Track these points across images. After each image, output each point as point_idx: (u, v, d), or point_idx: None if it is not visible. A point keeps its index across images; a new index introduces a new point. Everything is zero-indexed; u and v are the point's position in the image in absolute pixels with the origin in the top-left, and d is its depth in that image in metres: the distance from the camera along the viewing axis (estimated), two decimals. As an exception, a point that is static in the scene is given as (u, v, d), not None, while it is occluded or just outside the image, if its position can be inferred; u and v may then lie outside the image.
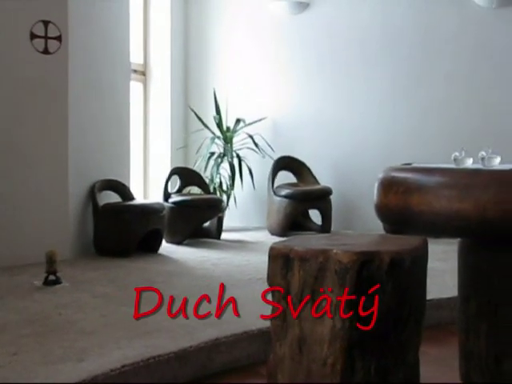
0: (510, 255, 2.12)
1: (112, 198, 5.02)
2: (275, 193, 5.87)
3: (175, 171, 5.84)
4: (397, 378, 1.76)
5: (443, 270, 4.17)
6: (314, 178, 6.08)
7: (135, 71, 6.13)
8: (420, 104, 6.19)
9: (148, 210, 4.86)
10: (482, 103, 6.09)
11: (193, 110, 6.44)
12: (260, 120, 6.28)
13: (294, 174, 6.17)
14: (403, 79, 6.20)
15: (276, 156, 6.17)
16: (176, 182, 5.82)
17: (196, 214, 5.30)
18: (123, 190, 5.11)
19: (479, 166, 2.23)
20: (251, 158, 6.32)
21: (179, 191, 5.71)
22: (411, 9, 6.18)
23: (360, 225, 5.93)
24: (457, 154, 2.21)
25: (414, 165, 2.29)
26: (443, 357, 2.76)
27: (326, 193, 5.82)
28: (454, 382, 2.37)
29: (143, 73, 6.40)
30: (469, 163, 2.19)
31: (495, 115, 6.07)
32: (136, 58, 6.18)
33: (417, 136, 6.14)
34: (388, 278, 1.72)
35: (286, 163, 6.16)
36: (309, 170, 6.10)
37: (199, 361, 2.53)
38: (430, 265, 4.34)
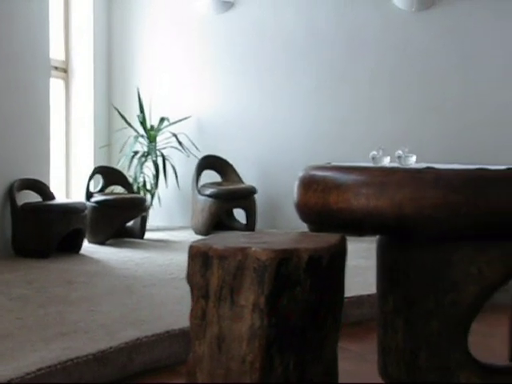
0: (425, 251, 2.17)
1: (32, 197, 4.89)
2: (199, 192, 5.85)
3: (98, 170, 5.75)
4: (315, 373, 1.78)
5: (365, 267, 4.24)
6: (239, 177, 6.09)
7: (56, 68, 5.99)
8: (343, 105, 6.30)
9: (69, 210, 4.76)
10: (400, 104, 6.25)
11: (116, 109, 6.35)
12: (184, 119, 6.25)
13: (219, 173, 6.17)
14: (327, 80, 6.29)
15: (201, 155, 6.15)
16: (99, 182, 5.73)
17: (119, 214, 5.24)
18: (43, 190, 4.99)
19: (396, 164, 2.28)
20: (176, 157, 6.28)
21: (102, 190, 5.62)
22: (335, 11, 6.27)
23: (285, 224, 5.97)
24: (375, 152, 2.25)
25: (333, 163, 2.31)
26: (363, 352, 2.80)
27: (250, 192, 5.85)
28: (374, 375, 2.42)
29: (65, 70, 6.25)
30: (386, 162, 2.23)
31: (413, 115, 6.23)
32: (57, 54, 6.04)
33: (340, 136, 6.25)
34: (306, 276, 1.73)
35: (211, 162, 6.15)
36: (233, 169, 6.11)
37: (119, 362, 2.50)
38: (352, 262, 4.41)
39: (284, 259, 1.70)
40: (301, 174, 2.27)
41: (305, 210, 2.22)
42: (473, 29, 6.27)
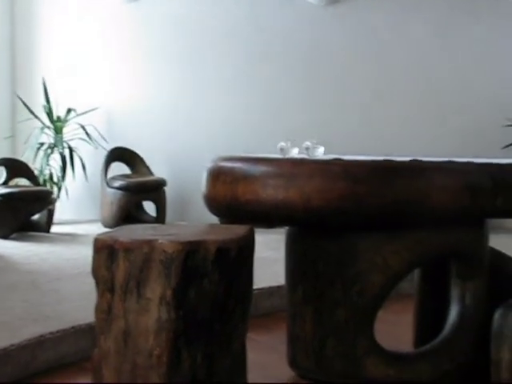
0: (332, 242, 2.20)
1: None
2: (108, 184, 5.74)
3: (1, 162, 5.56)
4: (223, 365, 1.77)
5: (275, 258, 4.25)
6: (148, 169, 6.02)
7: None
8: (254, 97, 6.31)
9: (-30, 203, 4.59)
10: (311, 96, 6.32)
11: (20, 99, 6.15)
12: (92, 110, 6.11)
13: (128, 165, 6.07)
14: (239, 73, 6.29)
15: (109, 147, 6.03)
16: (2, 174, 5.54)
17: (23, 207, 5.08)
18: None
19: (304, 156, 2.29)
20: (83, 149, 6.15)
21: (5, 183, 5.44)
22: (247, 3, 6.27)
23: (195, 216, 5.93)
24: (283, 144, 2.25)
25: (242, 155, 2.30)
26: (273, 343, 2.81)
27: (159, 184, 5.79)
28: (283, 365, 2.43)
29: (-35, 57, 6.02)
30: (294, 153, 2.24)
31: (323, 108, 6.32)
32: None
33: (252, 128, 6.26)
34: (214, 268, 1.71)
35: (120, 154, 6.04)
36: (142, 161, 6.03)
37: (21, 360, 2.41)
38: (263, 254, 4.44)
39: (191, 251, 1.68)
40: (209, 165, 2.25)
41: (213, 203, 2.20)
42: (382, 22, 6.40)
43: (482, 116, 6.51)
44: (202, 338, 1.71)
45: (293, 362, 2.36)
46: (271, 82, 6.30)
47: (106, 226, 5.63)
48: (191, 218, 6.04)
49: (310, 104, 6.31)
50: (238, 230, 1.90)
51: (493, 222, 6.17)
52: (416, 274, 2.69)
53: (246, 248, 1.85)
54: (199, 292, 1.71)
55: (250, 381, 2.15)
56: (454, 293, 2.40)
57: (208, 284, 1.72)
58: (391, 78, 6.44)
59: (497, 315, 2.19)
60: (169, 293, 1.67)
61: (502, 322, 2.17)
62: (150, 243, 1.69)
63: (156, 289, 1.68)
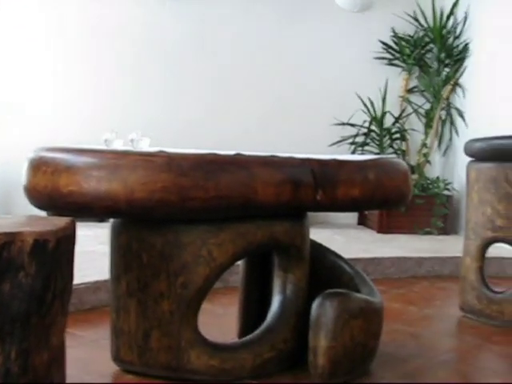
0: (157, 234, 2.20)
1: None
2: None
3: None
4: (40, 360, 1.71)
5: (103, 252, 4.20)
6: (-29, 160, 5.71)
7: None
8: (83, 90, 6.18)
9: None
10: (140, 89, 6.28)
11: None
12: None
13: None
14: (67, 66, 6.13)
15: None
16: None
17: None
18: None
19: (129, 147, 2.27)
20: None
21: None
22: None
23: (21, 209, 5.72)
24: (108, 135, 2.22)
25: (65, 145, 2.24)
26: (97, 338, 2.77)
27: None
28: (106, 361, 2.39)
29: None
30: (118, 145, 2.21)
31: (155, 101, 6.30)
32: None
33: (81, 120, 6.12)
34: (31, 260, 1.65)
35: None
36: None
37: None
38: (90, 248, 4.35)
39: (6, 243, 1.61)
40: (30, 155, 2.17)
41: (34, 194, 2.13)
42: (214, 14, 6.48)
43: (312, 114, 6.78)
44: (18, 333, 1.65)
45: (116, 357, 2.33)
46: (99, 74, 6.20)
47: None
48: (16, 210, 5.81)
49: (137, 96, 6.28)
50: (58, 221, 1.84)
51: (318, 216, 6.48)
52: (241, 265, 2.76)
53: (65, 240, 1.80)
54: (14, 285, 1.64)
55: (70, 376, 2.10)
56: (276, 284, 2.48)
57: (24, 277, 1.65)
58: (229, 73, 6.54)
59: (315, 304, 2.29)
60: (-19, 287, 1.59)
61: (319, 310, 2.27)
62: (-40, 235, 1.60)
63: (-33, 283, 1.59)
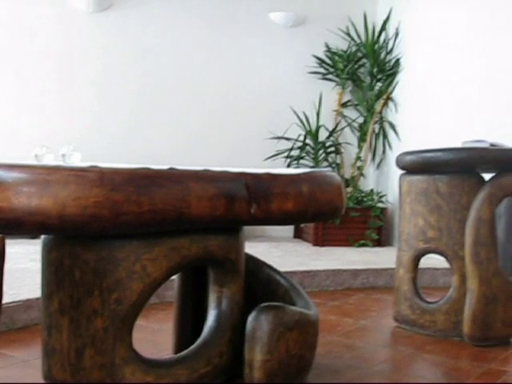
0: (90, 250, 2.17)
1: None
2: None
3: None
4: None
5: (35, 270, 4.11)
6: None
7: None
8: (11, 102, 6.07)
9: None
10: (72, 103, 6.20)
11: None
12: None
13: None
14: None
15: None
16: None
17: None
18: None
19: (61, 162, 2.24)
20: None
21: None
22: (8, 3, 6.02)
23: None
24: (38, 150, 2.18)
25: (-6, 160, 2.19)
26: (28, 358, 2.70)
27: None
28: (37, 380, 2.34)
29: None
30: (49, 159, 2.17)
31: (85, 115, 6.23)
32: None
33: (8, 133, 6.00)
34: (-43, 279, 1.61)
35: None
36: None
37: None
38: (22, 265, 4.25)
39: None
40: (-43, 170, 2.11)
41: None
42: (147, 29, 6.45)
43: (247, 128, 6.81)
44: None
45: (48, 376, 2.28)
46: (30, 88, 6.09)
47: None
48: None
49: (70, 110, 6.20)
50: (-14, 238, 1.80)
51: (255, 230, 6.50)
52: (176, 280, 2.74)
53: (-6, 258, 1.75)
54: None
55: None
56: (212, 298, 2.47)
57: (-50, 297, 1.61)
58: (155, 87, 6.52)
59: (250, 318, 2.30)
60: None
61: (254, 324, 2.27)
62: None
63: None
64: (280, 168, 6.33)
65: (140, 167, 2.13)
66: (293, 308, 2.38)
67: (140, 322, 3.37)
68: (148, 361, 2.26)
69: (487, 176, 4.30)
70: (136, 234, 2.18)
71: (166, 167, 2.20)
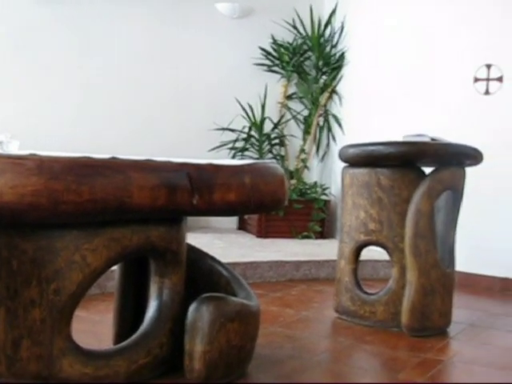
0: (28, 240, 2.13)
1: None
2: None
3: None
4: None
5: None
6: None
7: None
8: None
9: None
10: (12, 90, 6.09)
11: None
12: None
13: None
14: None
15: None
16: None
17: None
18: None
19: (-1, 150, 2.19)
20: None
21: None
22: None
23: None
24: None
25: None
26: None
27: None
28: None
29: None
30: (-15, 147, 2.13)
31: (24, 103, 6.12)
32: None
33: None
34: None
35: None
36: None
37: None
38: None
39: None
40: None
41: None
42: (93, 19, 6.36)
43: (192, 119, 6.78)
44: None
45: (-17, 368, 2.23)
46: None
47: None
48: None
49: (8, 98, 6.09)
50: None
51: (199, 221, 6.47)
52: (117, 271, 2.72)
53: None
54: None
55: None
56: (153, 289, 2.46)
57: None
58: (99, 77, 6.44)
59: (191, 308, 2.30)
60: None
61: (195, 315, 2.27)
62: None
63: None
64: (224, 159, 6.33)
65: (81, 156, 2.10)
66: (234, 299, 2.38)
67: (80, 313, 3.33)
68: (87, 352, 2.23)
69: (428, 170, 4.35)
70: (76, 224, 2.15)
71: (107, 156, 2.17)
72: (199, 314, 2.26)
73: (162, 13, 6.65)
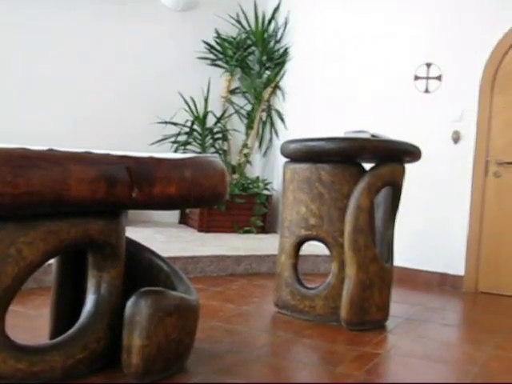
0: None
1: None
2: None
3: None
4: None
5: None
6: None
7: None
8: None
9: None
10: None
11: None
12: None
13: None
14: None
15: None
16: None
17: None
18: None
19: None
20: None
21: None
22: None
23: None
24: None
25: None
26: None
27: None
28: None
29: None
30: None
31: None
32: None
33: None
34: None
35: None
36: None
37: None
38: None
39: None
40: None
41: None
42: (33, 11, 6.23)
43: (133, 113, 6.71)
44: None
45: None
46: None
47: None
48: None
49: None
50: None
51: (141, 215, 6.41)
52: (54, 264, 2.67)
53: None
54: None
55: None
56: (91, 283, 2.42)
57: None
58: (40, 70, 6.32)
59: (129, 303, 2.27)
60: None
61: (133, 309, 2.25)
62: None
63: None
64: (166, 153, 6.29)
65: (17, 147, 2.05)
66: (173, 293, 2.37)
67: (16, 308, 3.26)
68: (21, 347, 2.18)
69: (369, 166, 4.42)
70: (12, 216, 2.10)
71: (45, 148, 2.13)
72: (137, 308, 2.24)
73: (104, 4, 6.55)
